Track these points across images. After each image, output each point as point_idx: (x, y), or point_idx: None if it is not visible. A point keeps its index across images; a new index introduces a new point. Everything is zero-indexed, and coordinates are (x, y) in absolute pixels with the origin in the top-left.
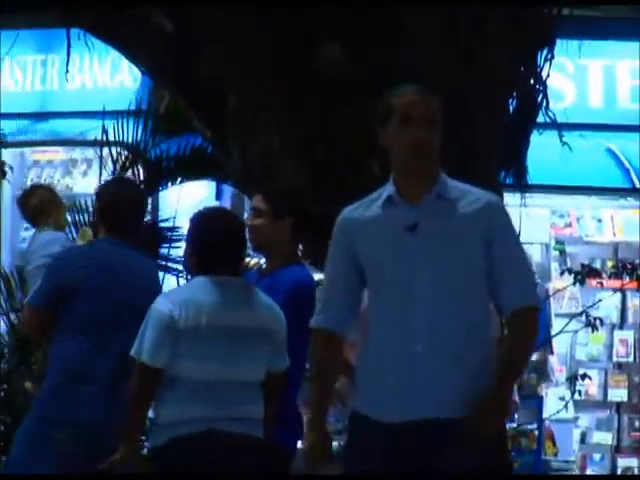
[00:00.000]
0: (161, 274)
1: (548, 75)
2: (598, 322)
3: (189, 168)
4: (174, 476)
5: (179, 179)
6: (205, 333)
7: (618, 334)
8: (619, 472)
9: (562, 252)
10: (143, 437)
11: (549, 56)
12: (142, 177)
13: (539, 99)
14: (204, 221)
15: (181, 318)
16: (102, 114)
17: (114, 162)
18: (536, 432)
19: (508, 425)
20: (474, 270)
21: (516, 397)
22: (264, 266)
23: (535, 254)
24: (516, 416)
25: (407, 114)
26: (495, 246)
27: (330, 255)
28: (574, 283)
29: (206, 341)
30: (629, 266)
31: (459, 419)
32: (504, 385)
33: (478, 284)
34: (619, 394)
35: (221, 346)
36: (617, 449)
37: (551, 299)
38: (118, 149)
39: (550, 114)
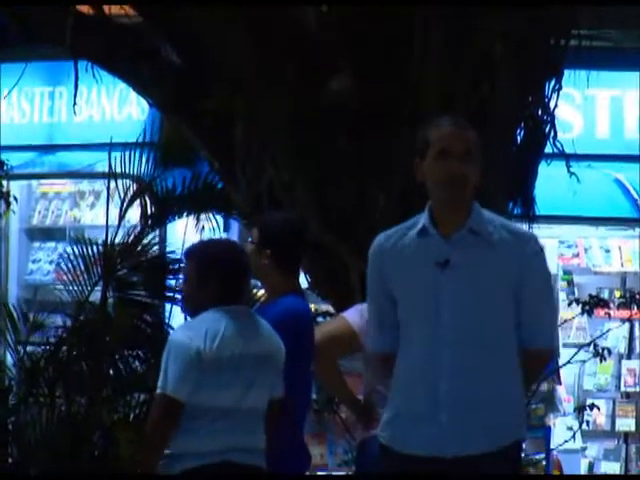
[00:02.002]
0: (168, 306)
1: (556, 106)
2: (606, 352)
3: (197, 201)
4: None
5: (186, 212)
6: (228, 363)
7: (626, 364)
8: None
9: (570, 282)
10: None
11: (557, 87)
12: (149, 210)
13: (547, 130)
14: (216, 253)
15: (206, 349)
16: (110, 146)
17: (121, 195)
18: (544, 462)
19: None
20: (503, 308)
21: None
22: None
23: None
24: (524, 446)
25: (442, 147)
26: (523, 285)
27: (367, 282)
28: (582, 313)
29: (228, 371)
30: (637, 296)
31: (480, 456)
32: None
33: (507, 322)
34: (627, 424)
35: (240, 374)
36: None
37: (559, 329)
38: (125, 181)
39: (558, 145)
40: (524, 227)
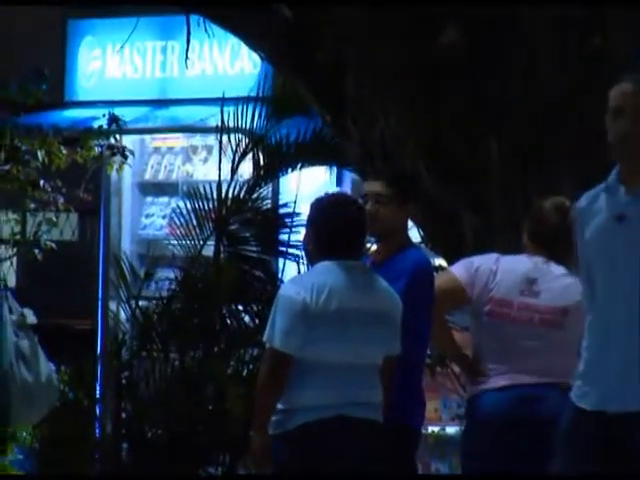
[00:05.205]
0: (281, 260)
1: None
2: None
3: (309, 153)
4: (303, 461)
5: (299, 164)
6: (335, 317)
7: None
8: None
9: None
10: None
11: None
12: (262, 163)
13: None
14: (330, 207)
15: (312, 303)
16: (222, 100)
17: (234, 149)
18: None
19: None
20: None
21: None
22: (376, 253)
23: None
24: None
25: (615, 105)
26: None
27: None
28: None
29: (336, 325)
30: None
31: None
32: None
33: None
34: None
35: (350, 330)
36: None
37: None
38: (238, 135)
39: None
40: None
